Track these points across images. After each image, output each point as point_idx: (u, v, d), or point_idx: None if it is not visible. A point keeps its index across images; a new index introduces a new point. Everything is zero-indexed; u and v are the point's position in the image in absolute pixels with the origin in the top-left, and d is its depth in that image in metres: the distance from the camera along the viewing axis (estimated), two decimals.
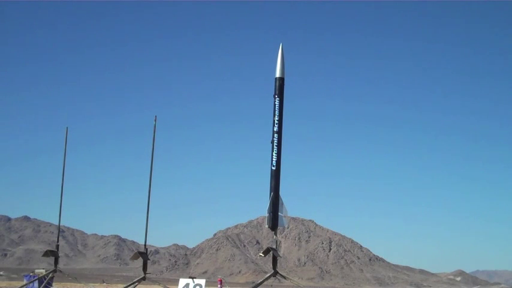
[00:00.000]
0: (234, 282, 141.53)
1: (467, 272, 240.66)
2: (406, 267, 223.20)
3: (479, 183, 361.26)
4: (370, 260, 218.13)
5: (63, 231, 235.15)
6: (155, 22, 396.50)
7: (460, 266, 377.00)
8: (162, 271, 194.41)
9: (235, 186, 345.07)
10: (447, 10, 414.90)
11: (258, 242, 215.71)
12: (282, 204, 17.68)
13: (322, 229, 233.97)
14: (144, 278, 20.04)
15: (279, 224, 17.54)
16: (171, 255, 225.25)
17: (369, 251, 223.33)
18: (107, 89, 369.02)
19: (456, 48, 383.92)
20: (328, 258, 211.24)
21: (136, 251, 20.01)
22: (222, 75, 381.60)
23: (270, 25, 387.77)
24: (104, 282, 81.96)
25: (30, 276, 26.55)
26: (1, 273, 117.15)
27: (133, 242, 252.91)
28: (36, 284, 24.48)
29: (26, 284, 25.08)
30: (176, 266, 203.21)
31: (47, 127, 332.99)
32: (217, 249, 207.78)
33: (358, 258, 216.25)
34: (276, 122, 17.82)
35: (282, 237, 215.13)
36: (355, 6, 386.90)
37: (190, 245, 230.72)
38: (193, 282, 20.02)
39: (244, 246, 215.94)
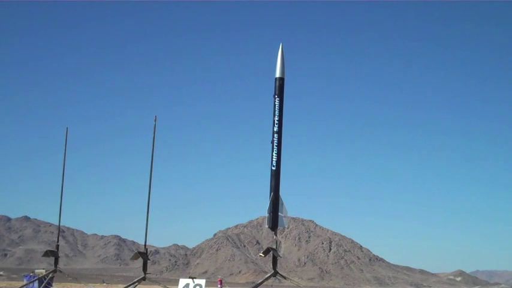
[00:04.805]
0: (234, 282, 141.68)
1: (467, 272, 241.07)
2: (406, 267, 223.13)
3: (479, 183, 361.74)
4: (370, 260, 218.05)
5: (63, 231, 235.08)
6: (155, 22, 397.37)
7: (460, 266, 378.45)
8: (162, 271, 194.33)
9: (235, 186, 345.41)
10: (447, 10, 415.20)
11: (258, 242, 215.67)
12: (282, 204, 17.69)
13: (322, 229, 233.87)
14: (144, 278, 20.04)
15: (279, 224, 17.55)
16: (171, 255, 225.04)
17: (369, 251, 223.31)
18: (107, 89, 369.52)
19: (456, 48, 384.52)
20: (328, 258, 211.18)
21: (136, 251, 20.02)
22: (222, 75, 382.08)
23: (270, 25, 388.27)
24: (104, 282, 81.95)
25: (30, 276, 26.58)
26: (1, 273, 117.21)
27: (133, 242, 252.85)
28: (36, 284, 24.49)
29: (26, 284, 25.10)
30: (176, 266, 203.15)
31: (47, 127, 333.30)
32: (217, 249, 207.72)
33: (358, 259, 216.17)
34: (276, 122, 17.82)
35: (282, 237, 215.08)
36: (355, 6, 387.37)
37: (190, 245, 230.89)
38: (193, 282, 20.03)
39: (244, 246, 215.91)
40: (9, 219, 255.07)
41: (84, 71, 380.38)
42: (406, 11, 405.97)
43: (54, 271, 22.91)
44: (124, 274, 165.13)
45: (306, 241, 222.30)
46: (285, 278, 18.63)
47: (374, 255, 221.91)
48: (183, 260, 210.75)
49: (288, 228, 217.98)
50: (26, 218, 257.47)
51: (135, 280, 20.58)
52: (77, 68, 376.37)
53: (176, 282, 25.53)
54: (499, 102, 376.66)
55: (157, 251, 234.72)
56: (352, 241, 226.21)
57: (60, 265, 23.49)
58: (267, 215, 17.64)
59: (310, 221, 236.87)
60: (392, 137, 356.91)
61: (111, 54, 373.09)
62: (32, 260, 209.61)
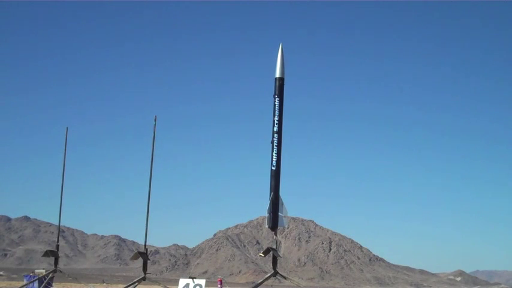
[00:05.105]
0: (234, 282, 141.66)
1: (467, 272, 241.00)
2: (406, 267, 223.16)
3: (479, 183, 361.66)
4: (370, 260, 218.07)
5: (63, 231, 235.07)
6: (155, 22, 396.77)
7: (460, 266, 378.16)
8: (162, 271, 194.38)
9: (235, 186, 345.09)
10: (447, 10, 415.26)
11: (258, 242, 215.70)
12: (282, 204, 17.70)
13: (322, 229, 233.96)
14: (144, 278, 20.05)
15: (279, 224, 17.56)
16: (171, 255, 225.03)
17: (369, 251, 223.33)
18: (107, 89, 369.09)
19: (456, 47, 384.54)
20: (328, 258, 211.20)
21: (136, 251, 20.03)
22: (222, 75, 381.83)
23: (270, 25, 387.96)
24: (104, 282, 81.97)
25: (30, 276, 26.60)
26: (1, 273, 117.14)
27: (133, 242, 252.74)
28: (36, 284, 24.51)
29: (26, 284, 25.10)
30: (176, 266, 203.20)
31: (47, 127, 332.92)
32: (217, 249, 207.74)
33: (358, 258, 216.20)
34: (276, 122, 17.84)
35: (282, 237, 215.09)
36: (355, 6, 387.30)
37: (190, 245, 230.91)
38: (193, 282, 20.04)
39: (244, 246, 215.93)
40: (9, 219, 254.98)
41: (84, 71, 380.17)
42: (405, 11, 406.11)
43: (54, 271, 22.92)
44: (124, 274, 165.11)
45: (306, 241, 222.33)
46: (285, 278, 18.63)
47: (374, 255, 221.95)
48: (183, 260, 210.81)
49: (288, 228, 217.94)
50: (26, 218, 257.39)
51: (135, 280, 20.59)
52: (77, 68, 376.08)
53: (176, 282, 25.54)
54: (499, 102, 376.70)
55: (157, 251, 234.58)
56: (352, 241, 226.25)
57: (60, 265, 23.50)
58: (267, 215, 17.65)
59: (310, 221, 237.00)
60: (392, 137, 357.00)
61: (111, 54, 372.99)
62: (32, 260, 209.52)
